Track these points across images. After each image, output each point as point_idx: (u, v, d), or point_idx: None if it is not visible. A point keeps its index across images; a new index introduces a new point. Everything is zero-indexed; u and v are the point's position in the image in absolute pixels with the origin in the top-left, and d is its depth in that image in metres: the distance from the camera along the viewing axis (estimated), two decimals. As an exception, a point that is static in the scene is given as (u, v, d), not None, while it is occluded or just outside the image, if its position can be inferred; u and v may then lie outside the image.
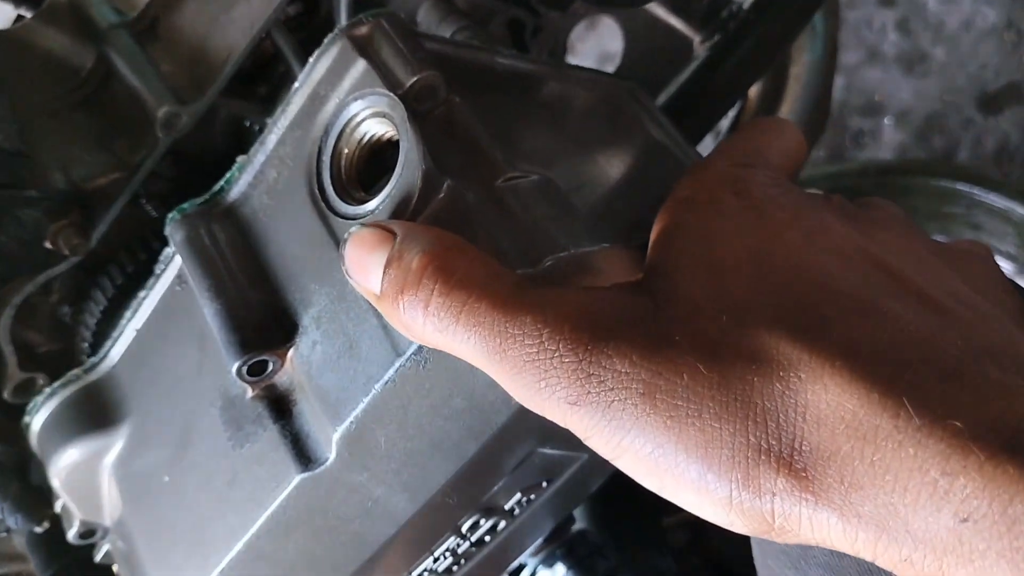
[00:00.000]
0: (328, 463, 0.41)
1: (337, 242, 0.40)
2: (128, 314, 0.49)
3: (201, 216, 0.45)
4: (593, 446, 0.32)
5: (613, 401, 0.31)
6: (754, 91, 0.72)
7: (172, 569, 0.47)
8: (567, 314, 0.32)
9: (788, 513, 0.29)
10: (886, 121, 1.17)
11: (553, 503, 0.52)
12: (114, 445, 0.50)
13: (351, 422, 0.40)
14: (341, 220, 0.40)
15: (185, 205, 0.45)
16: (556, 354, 0.31)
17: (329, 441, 0.40)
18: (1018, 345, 0.30)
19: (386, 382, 0.38)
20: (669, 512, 1.07)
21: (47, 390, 0.51)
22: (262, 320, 0.42)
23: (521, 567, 0.65)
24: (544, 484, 0.50)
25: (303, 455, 0.41)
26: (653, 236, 0.35)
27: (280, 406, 0.43)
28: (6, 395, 0.56)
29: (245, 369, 0.42)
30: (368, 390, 0.39)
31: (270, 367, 0.42)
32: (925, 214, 0.98)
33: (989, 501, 0.26)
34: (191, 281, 0.44)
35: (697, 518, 0.40)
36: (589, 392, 0.31)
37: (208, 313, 0.42)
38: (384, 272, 0.34)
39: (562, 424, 0.32)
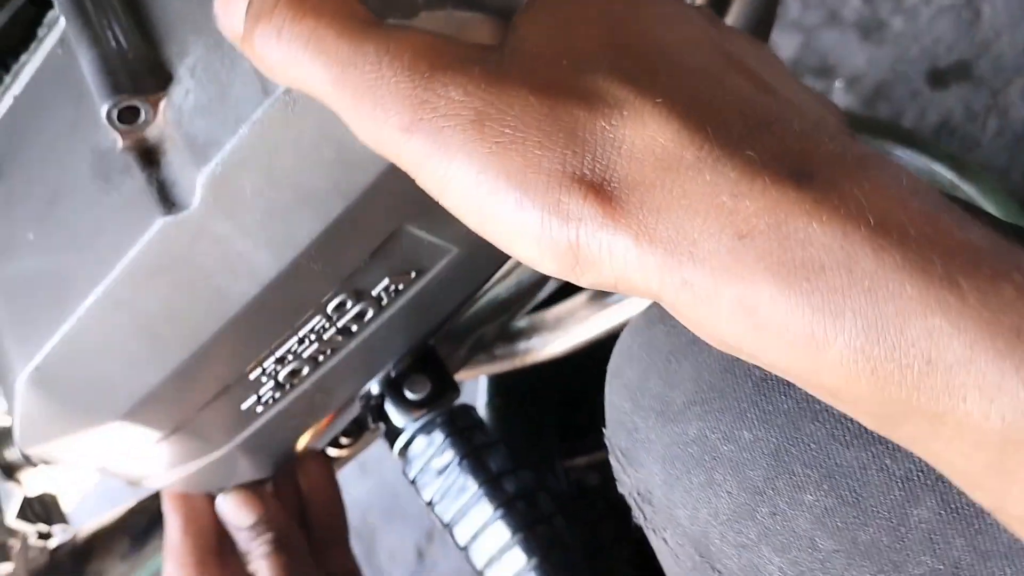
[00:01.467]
0: (192, 207, 0.41)
1: None
2: (7, 80, 0.48)
3: None
4: (423, 181, 0.33)
5: (443, 128, 0.31)
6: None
7: (28, 324, 0.46)
8: (410, 46, 0.33)
9: (590, 241, 0.30)
10: (837, 84, 1.18)
11: (421, 302, 0.52)
12: None
13: (216, 164, 0.40)
14: None
15: None
16: (392, 79, 0.32)
17: (193, 187, 0.40)
18: (842, 127, 0.32)
19: (253, 123, 0.39)
20: (576, 452, 1.07)
21: None
22: (137, 69, 0.42)
23: (398, 431, 0.64)
24: (413, 275, 0.50)
25: (167, 200, 0.41)
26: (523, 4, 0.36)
27: (149, 157, 0.42)
28: None
29: (115, 113, 0.41)
30: (235, 131, 0.39)
31: (142, 116, 0.42)
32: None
33: (766, 220, 0.28)
34: (70, 35, 0.43)
35: (603, 461, 0.41)
36: (421, 119, 0.32)
37: (84, 62, 0.42)
38: (247, 8, 0.34)
39: (396, 160, 0.33)
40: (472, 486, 0.61)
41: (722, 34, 0.36)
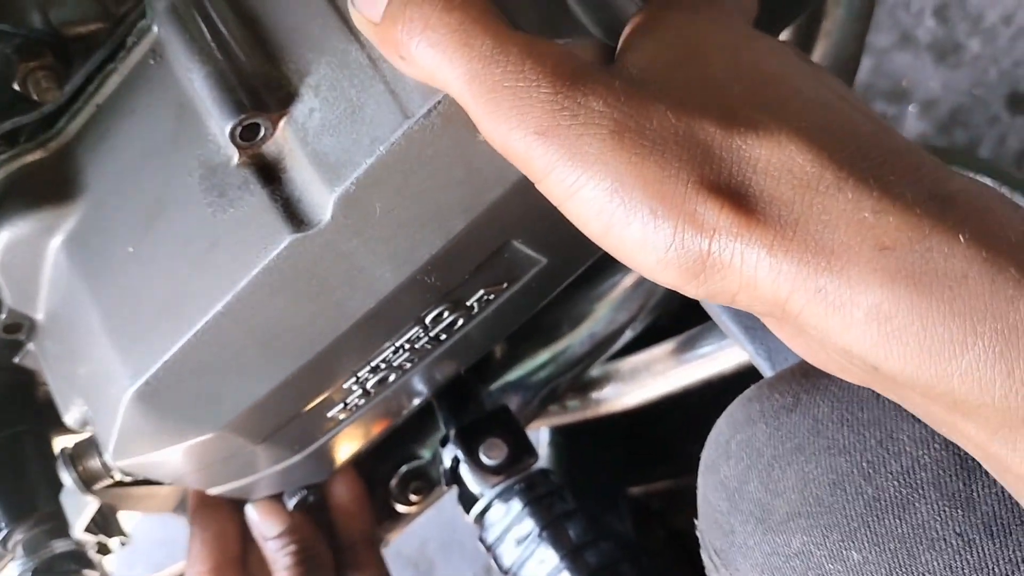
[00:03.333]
0: (321, 225, 0.41)
1: (337, 10, 0.40)
2: (90, 88, 0.48)
3: None
4: (550, 184, 0.34)
5: (582, 135, 0.33)
6: (784, 36, 0.70)
7: (136, 338, 0.46)
8: (552, 54, 0.34)
9: (722, 250, 0.32)
10: (910, 109, 1.14)
11: (503, 311, 0.53)
12: (64, 223, 0.49)
13: (351, 183, 0.40)
14: None
15: None
16: (534, 84, 0.33)
17: (323, 205, 0.41)
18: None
19: (392, 144, 0.39)
20: (638, 482, 1.06)
21: None
22: (254, 86, 0.42)
23: (475, 498, 0.63)
24: (504, 285, 0.51)
25: (295, 217, 0.42)
26: (628, 29, 0.37)
27: (268, 173, 0.43)
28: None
29: (239, 131, 0.41)
30: (373, 151, 0.39)
31: (262, 132, 0.42)
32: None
33: (908, 235, 0.30)
34: (173, 50, 0.44)
35: (667, 490, 0.40)
36: (559, 124, 0.33)
37: (197, 78, 0.42)
38: None
39: (522, 159, 0.34)
40: (553, 558, 0.60)
41: (815, 69, 0.37)
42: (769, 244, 0.31)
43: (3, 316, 0.52)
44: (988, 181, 0.94)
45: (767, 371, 0.53)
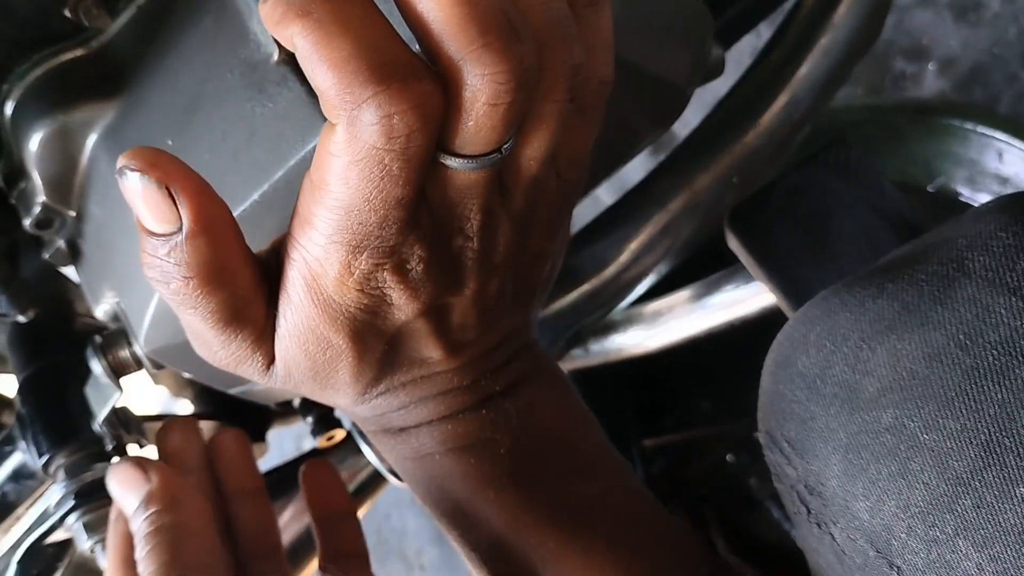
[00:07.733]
0: None
1: None
2: None
3: None
4: None
5: None
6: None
7: None
8: None
9: None
10: (930, 67, 1.15)
11: None
12: (102, 119, 0.50)
13: None
14: None
15: None
16: None
17: None
18: None
19: None
20: (648, 434, 1.06)
21: (34, 57, 0.49)
22: None
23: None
24: None
25: None
26: None
27: None
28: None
29: None
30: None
31: None
32: (955, 159, 0.96)
33: None
34: None
35: (677, 443, 0.39)
36: None
37: None
38: None
39: None
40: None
41: None
42: None
43: (36, 211, 0.53)
44: (1005, 137, 0.94)
45: (793, 312, 0.53)
